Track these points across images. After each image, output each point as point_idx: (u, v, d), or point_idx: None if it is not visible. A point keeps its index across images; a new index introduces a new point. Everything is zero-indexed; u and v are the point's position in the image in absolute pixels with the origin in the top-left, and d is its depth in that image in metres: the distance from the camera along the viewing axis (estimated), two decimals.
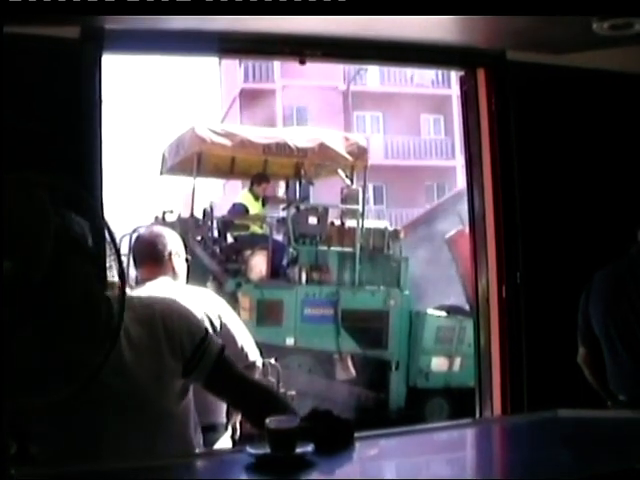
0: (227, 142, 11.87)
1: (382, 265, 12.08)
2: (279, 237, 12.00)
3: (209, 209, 12.04)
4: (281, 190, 12.86)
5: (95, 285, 2.23)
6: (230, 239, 12.14)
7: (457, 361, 11.71)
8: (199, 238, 11.71)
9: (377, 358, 11.91)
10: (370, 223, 12.69)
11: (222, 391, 2.65)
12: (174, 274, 4.12)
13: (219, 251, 11.86)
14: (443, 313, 12.07)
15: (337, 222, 12.25)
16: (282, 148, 12.10)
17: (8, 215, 2.08)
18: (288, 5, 3.52)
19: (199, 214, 11.98)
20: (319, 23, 4.18)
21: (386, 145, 30.97)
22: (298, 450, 2.16)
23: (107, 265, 2.22)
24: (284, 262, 11.69)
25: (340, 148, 12.22)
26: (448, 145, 32.36)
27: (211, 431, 3.79)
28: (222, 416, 4.04)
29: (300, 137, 12.44)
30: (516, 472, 2.30)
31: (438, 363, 11.89)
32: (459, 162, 27.95)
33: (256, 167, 12.52)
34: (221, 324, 3.98)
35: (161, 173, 13.11)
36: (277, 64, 27.20)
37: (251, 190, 12.10)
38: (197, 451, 2.69)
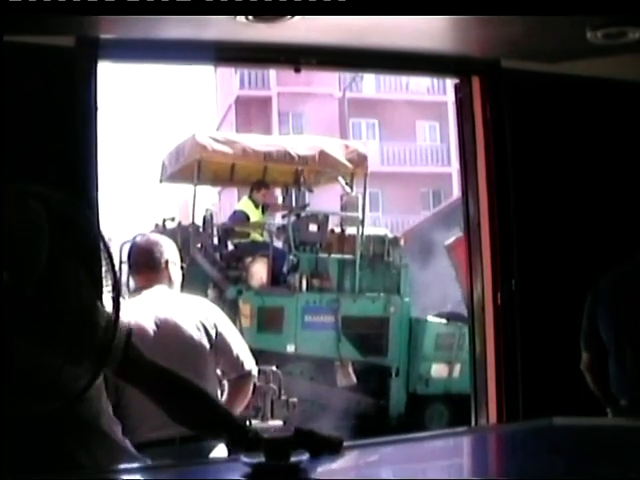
0: (228, 150, 11.89)
1: (382, 272, 12.09)
2: (279, 244, 12.01)
3: (209, 216, 12.06)
4: (279, 197, 12.86)
5: (89, 295, 2.23)
6: (230, 246, 12.15)
7: (457, 368, 11.71)
8: (199, 245, 11.72)
9: (377, 365, 11.93)
10: (370, 230, 12.71)
11: (137, 377, 2.55)
12: (170, 282, 4.13)
13: (220, 258, 11.87)
14: (443, 320, 12.08)
15: (337, 229, 12.27)
16: (283, 156, 12.13)
17: (2, 226, 2.08)
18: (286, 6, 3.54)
19: (198, 221, 11.99)
20: (314, 31, 4.19)
21: (382, 152, 31.00)
22: (293, 459, 2.16)
23: (102, 275, 2.22)
24: (284, 269, 11.69)
25: (340, 156, 12.26)
26: (444, 152, 32.38)
27: (206, 440, 3.79)
28: None
29: (300, 145, 12.48)
30: None
31: (438, 370, 11.91)
32: (455, 169, 27.97)
33: (255, 174, 12.54)
34: (217, 333, 3.99)
35: (161, 181, 13.10)
36: (273, 71, 27.19)
37: (251, 197, 12.12)
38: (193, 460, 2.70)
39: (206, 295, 10.76)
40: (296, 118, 30.14)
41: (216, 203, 12.86)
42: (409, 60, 4.78)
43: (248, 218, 11.98)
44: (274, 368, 9.65)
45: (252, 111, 30.13)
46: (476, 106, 4.87)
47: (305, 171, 12.61)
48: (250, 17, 3.86)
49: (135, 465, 2.60)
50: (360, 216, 12.02)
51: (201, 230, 11.81)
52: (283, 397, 9.46)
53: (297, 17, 3.88)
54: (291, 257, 11.67)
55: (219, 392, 4.07)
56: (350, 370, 11.69)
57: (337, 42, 4.43)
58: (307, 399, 10.57)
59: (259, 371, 8.91)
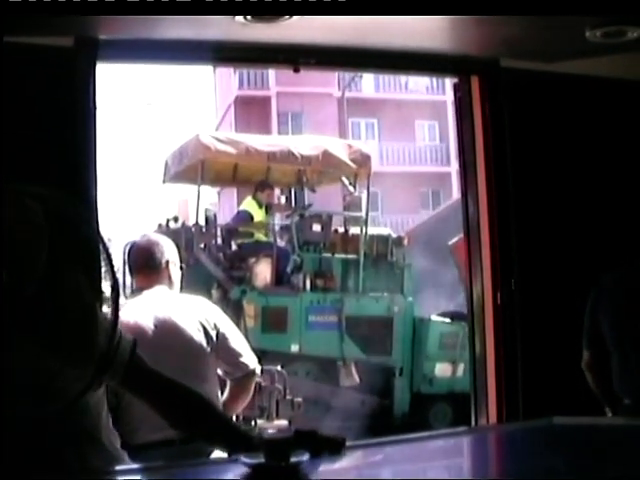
0: (231, 150, 11.91)
1: (386, 272, 12.11)
2: (283, 244, 12.04)
3: (212, 217, 12.07)
4: (282, 198, 12.87)
5: (88, 296, 2.23)
6: (234, 246, 12.18)
7: (461, 367, 11.70)
8: (202, 246, 11.74)
9: (381, 364, 11.93)
10: (373, 230, 12.75)
11: (141, 388, 2.56)
12: (170, 283, 4.13)
13: (223, 258, 11.88)
14: (447, 319, 12.09)
15: (340, 229, 12.29)
16: (286, 156, 12.15)
17: (1, 227, 2.08)
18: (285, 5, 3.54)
19: (200, 221, 12.01)
20: (313, 31, 4.19)
21: (381, 151, 31.00)
22: (293, 459, 2.16)
23: (102, 275, 2.22)
24: (288, 269, 11.74)
25: (343, 156, 12.28)
26: (443, 151, 32.39)
27: None
28: None
29: (304, 145, 12.50)
30: None
31: (442, 369, 11.92)
32: (454, 168, 27.98)
33: (258, 174, 12.56)
34: (217, 333, 3.98)
35: (164, 181, 13.13)
36: (272, 71, 27.20)
37: (255, 197, 12.13)
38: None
39: (210, 295, 10.81)
40: (295, 118, 30.15)
41: (215, 203, 12.87)
42: (408, 59, 4.78)
43: (252, 218, 12.00)
44: (279, 368, 9.66)
45: (251, 111, 30.14)
46: (475, 105, 4.87)
47: (308, 171, 12.64)
48: (249, 17, 3.87)
49: (134, 466, 2.60)
50: (363, 216, 12.06)
51: (204, 230, 11.83)
52: (288, 397, 9.47)
53: (296, 17, 3.88)
54: (295, 257, 11.71)
55: (219, 392, 4.07)
56: (353, 370, 11.71)
57: (336, 42, 4.43)
58: (311, 399, 10.59)
59: (264, 371, 8.97)
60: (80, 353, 2.17)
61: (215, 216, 12.25)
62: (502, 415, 4.71)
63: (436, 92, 31.72)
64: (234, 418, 6.82)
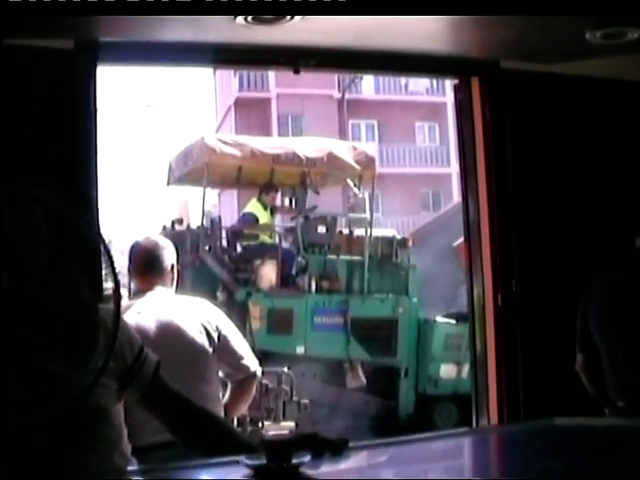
0: (237, 152, 11.93)
1: (390, 273, 12.14)
2: (287, 246, 12.07)
3: (217, 219, 12.09)
4: (285, 200, 12.90)
5: (90, 297, 2.23)
6: (239, 248, 12.20)
7: (466, 368, 11.62)
8: (207, 247, 11.75)
9: (386, 365, 11.98)
10: (378, 232, 12.78)
11: (159, 408, 2.61)
12: (172, 285, 4.14)
13: (229, 260, 11.90)
14: (452, 320, 12.10)
15: (345, 231, 12.34)
16: (291, 158, 12.18)
17: (1, 229, 2.08)
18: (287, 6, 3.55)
19: (196, 223, 12.02)
20: (313, 33, 4.19)
21: (381, 153, 31.02)
22: (294, 460, 2.16)
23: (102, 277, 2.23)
24: (293, 271, 11.78)
25: (348, 158, 12.29)
26: (443, 153, 32.38)
27: None
28: None
29: (308, 147, 12.51)
30: None
31: (447, 370, 11.93)
32: (454, 170, 27.98)
33: (262, 177, 12.58)
34: (219, 336, 3.99)
35: (168, 183, 13.13)
36: (272, 73, 27.21)
37: (260, 199, 12.15)
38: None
39: (215, 297, 10.87)
40: (295, 119, 30.15)
41: (216, 205, 12.91)
42: (408, 61, 4.78)
43: (257, 220, 12.02)
44: (286, 369, 9.68)
45: (251, 113, 30.16)
46: (475, 107, 4.87)
47: (312, 173, 12.68)
48: (249, 19, 3.87)
49: (135, 467, 2.60)
50: (368, 217, 12.10)
51: (209, 232, 11.85)
52: (295, 398, 9.49)
53: (296, 19, 3.89)
54: (300, 259, 11.76)
55: (221, 394, 4.08)
56: (359, 371, 11.73)
57: (336, 43, 4.44)
58: (317, 400, 10.62)
59: (270, 372, 8.98)
60: (81, 354, 2.17)
61: (220, 218, 12.27)
62: (503, 416, 4.71)
63: (436, 94, 31.74)
64: (239, 420, 6.88)
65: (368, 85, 32.17)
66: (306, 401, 9.53)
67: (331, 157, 12.24)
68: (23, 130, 3.94)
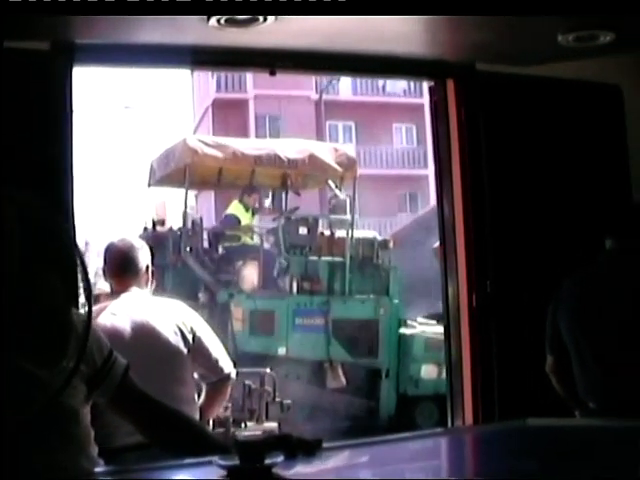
0: (218, 153, 11.96)
1: (371, 274, 12.16)
2: (269, 247, 12.09)
3: (199, 220, 12.10)
4: (266, 201, 12.92)
5: (62, 298, 2.23)
6: (221, 250, 12.20)
7: None
8: (188, 249, 11.76)
9: (367, 366, 11.98)
10: (359, 233, 12.79)
11: (128, 410, 2.61)
12: (146, 286, 4.13)
13: (210, 262, 11.90)
14: (432, 321, 12.12)
15: (327, 232, 12.34)
16: (273, 159, 12.23)
17: None
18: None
19: (175, 225, 12.02)
20: (289, 35, 4.20)
21: (359, 154, 31.00)
22: (267, 461, 2.16)
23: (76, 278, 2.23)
24: (275, 272, 11.80)
25: (330, 159, 12.34)
26: (420, 154, 32.43)
27: None
28: None
29: (290, 148, 12.54)
30: None
31: (428, 370, 11.93)
32: (432, 171, 27.98)
33: (243, 178, 12.57)
34: (194, 337, 3.99)
35: (149, 185, 13.11)
36: (249, 74, 27.20)
37: (241, 201, 12.17)
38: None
39: (197, 298, 10.88)
40: (273, 121, 30.15)
41: (194, 206, 12.91)
42: (384, 63, 4.80)
43: (239, 221, 12.03)
44: (268, 370, 9.70)
45: (229, 114, 30.12)
46: (451, 109, 4.89)
47: (293, 174, 12.71)
48: (222, 21, 3.88)
49: (106, 468, 2.61)
50: (349, 219, 12.12)
51: (190, 233, 11.85)
52: (277, 399, 9.51)
53: (269, 21, 3.89)
54: (281, 260, 11.76)
55: (196, 395, 4.08)
56: (340, 372, 11.74)
57: (312, 46, 4.45)
58: (297, 401, 10.64)
59: (249, 373, 8.96)
60: (53, 356, 2.18)
61: (201, 219, 12.29)
62: (478, 416, 4.73)
63: (414, 95, 31.77)
64: (222, 421, 6.87)
65: (345, 86, 32.19)
66: (289, 402, 9.55)
67: (312, 158, 12.29)
68: None
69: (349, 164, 12.52)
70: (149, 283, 4.16)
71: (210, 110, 31.51)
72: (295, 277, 11.70)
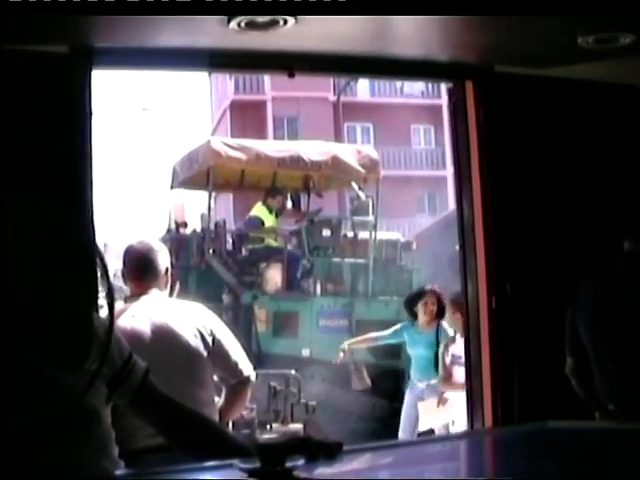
0: (242, 156, 12.00)
1: (395, 276, 12.19)
2: (292, 249, 12.12)
3: (222, 222, 12.13)
4: (288, 202, 12.95)
5: (84, 302, 2.24)
6: (245, 252, 12.25)
7: None
8: (212, 251, 11.81)
9: (392, 368, 11.92)
10: (382, 234, 12.81)
11: (149, 412, 2.62)
12: (166, 288, 4.14)
13: (234, 264, 11.95)
14: None
15: (350, 234, 12.37)
16: (296, 161, 12.26)
17: None
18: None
19: (197, 227, 12.06)
20: (308, 38, 4.21)
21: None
22: (288, 464, 2.16)
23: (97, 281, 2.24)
24: (298, 274, 11.84)
25: (353, 161, 12.36)
26: (439, 155, 32.39)
27: None
28: None
29: (313, 150, 12.57)
30: None
31: None
32: (450, 172, 27.96)
33: (265, 180, 12.65)
34: (214, 340, 3.99)
35: (172, 187, 13.16)
36: (267, 75, 27.24)
37: (265, 203, 12.18)
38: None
39: (221, 300, 10.91)
40: (291, 122, 30.17)
41: (212, 208, 12.95)
42: (403, 66, 4.80)
43: (263, 223, 12.06)
44: (293, 372, 9.72)
45: (247, 115, 30.17)
46: (470, 110, 4.89)
47: (315, 176, 12.75)
48: (242, 25, 3.88)
49: (127, 470, 2.62)
50: (372, 220, 12.13)
51: (213, 235, 11.90)
52: (302, 401, 9.52)
53: (289, 25, 3.89)
54: (305, 262, 11.82)
55: (216, 398, 4.09)
56: (364, 373, 11.73)
57: (330, 48, 4.45)
58: (322, 402, 10.65)
59: (274, 375, 8.97)
60: (75, 359, 2.19)
61: (224, 222, 12.32)
62: (497, 419, 4.72)
63: (432, 96, 31.73)
64: (247, 422, 6.87)
65: (363, 88, 32.18)
66: (313, 403, 9.56)
67: (335, 160, 12.31)
68: (18, 135, 3.95)
69: (372, 166, 12.52)
70: (168, 286, 4.17)
71: (228, 112, 31.57)
72: (318, 279, 11.76)
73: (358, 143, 29.18)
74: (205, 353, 3.94)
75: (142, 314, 3.94)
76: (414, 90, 32.10)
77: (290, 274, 11.70)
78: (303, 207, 12.77)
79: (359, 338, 9.99)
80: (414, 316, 8.73)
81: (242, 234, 12.44)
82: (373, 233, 12.09)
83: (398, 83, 31.33)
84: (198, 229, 12.16)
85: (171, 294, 4.24)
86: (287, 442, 2.21)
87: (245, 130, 26.33)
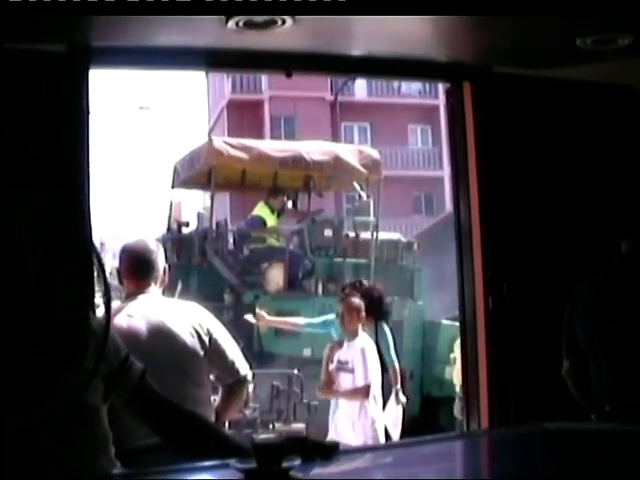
0: (244, 155, 12.00)
1: (396, 276, 12.15)
2: (294, 249, 12.11)
3: (223, 222, 12.11)
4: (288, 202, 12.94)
5: (81, 301, 2.24)
6: (246, 251, 12.25)
7: None
8: (213, 251, 11.81)
9: None
10: (383, 235, 12.81)
11: (146, 412, 2.62)
12: (162, 288, 4.14)
13: (236, 263, 11.97)
14: (456, 323, 12.06)
15: (351, 234, 12.37)
16: (298, 161, 12.27)
17: None
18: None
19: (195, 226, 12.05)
20: (305, 38, 4.21)
21: None
22: (285, 464, 2.16)
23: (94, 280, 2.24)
24: (300, 274, 11.86)
25: (354, 161, 12.37)
26: (436, 155, 32.41)
27: None
28: None
29: (314, 150, 12.57)
30: None
31: (452, 372, 11.95)
32: (447, 172, 27.98)
33: (266, 180, 12.61)
34: (210, 339, 3.99)
35: (173, 186, 13.14)
36: (265, 75, 27.26)
37: (267, 203, 12.18)
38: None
39: (223, 300, 10.90)
40: (288, 122, 30.17)
41: (208, 207, 12.94)
42: (401, 66, 4.80)
43: (265, 223, 12.06)
44: (296, 371, 9.71)
45: (244, 115, 30.17)
46: (467, 111, 4.88)
47: (316, 176, 12.74)
48: (240, 24, 3.88)
49: (123, 470, 2.61)
50: (374, 221, 12.14)
51: (215, 235, 11.90)
52: (305, 400, 9.51)
53: (287, 25, 3.89)
54: (306, 262, 11.83)
55: (212, 398, 4.08)
56: None
57: (328, 48, 4.45)
58: (324, 402, 10.66)
59: (277, 374, 8.98)
60: (72, 357, 2.19)
61: (226, 221, 12.30)
62: (494, 418, 4.72)
63: (429, 96, 31.75)
64: (249, 422, 6.86)
65: (361, 87, 32.21)
66: (316, 403, 9.57)
67: (337, 160, 12.32)
68: (15, 133, 3.94)
69: (374, 166, 12.55)
70: (165, 285, 4.17)
71: (225, 111, 31.57)
72: (320, 278, 11.76)
73: (355, 143, 29.20)
74: (202, 352, 3.94)
75: (139, 313, 3.94)
76: (411, 90, 32.13)
77: (292, 274, 11.70)
78: (299, 206, 12.74)
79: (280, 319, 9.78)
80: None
81: (244, 234, 12.41)
82: (375, 233, 12.11)
83: (395, 83, 31.35)
84: (198, 228, 12.14)
85: (166, 293, 4.23)
86: (283, 442, 2.21)
87: (242, 129, 26.33)
